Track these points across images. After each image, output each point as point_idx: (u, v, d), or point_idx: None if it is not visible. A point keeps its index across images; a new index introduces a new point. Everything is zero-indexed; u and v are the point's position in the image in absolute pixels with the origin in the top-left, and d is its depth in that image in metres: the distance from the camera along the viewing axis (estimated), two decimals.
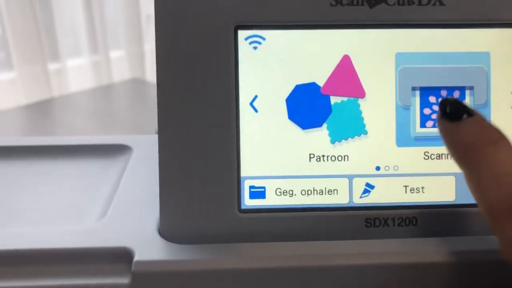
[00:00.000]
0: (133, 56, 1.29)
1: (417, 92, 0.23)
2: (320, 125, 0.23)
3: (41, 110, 1.03)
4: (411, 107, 0.23)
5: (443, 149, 0.23)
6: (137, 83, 1.12)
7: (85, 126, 0.90)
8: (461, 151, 0.19)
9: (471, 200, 0.23)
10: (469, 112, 0.19)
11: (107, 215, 0.24)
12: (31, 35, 1.10)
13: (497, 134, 0.19)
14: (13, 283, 0.21)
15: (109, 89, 1.10)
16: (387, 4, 0.23)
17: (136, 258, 0.21)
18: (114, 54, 1.26)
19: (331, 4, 0.23)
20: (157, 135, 0.23)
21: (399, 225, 0.23)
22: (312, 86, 0.23)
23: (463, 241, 0.23)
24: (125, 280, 0.21)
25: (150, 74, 1.34)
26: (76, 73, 1.21)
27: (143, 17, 1.30)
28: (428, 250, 0.22)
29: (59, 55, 1.17)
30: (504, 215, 0.18)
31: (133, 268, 0.21)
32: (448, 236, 0.23)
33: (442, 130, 0.20)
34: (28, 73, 1.12)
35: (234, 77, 0.23)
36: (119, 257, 0.21)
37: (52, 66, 1.16)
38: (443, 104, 0.20)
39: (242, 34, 0.23)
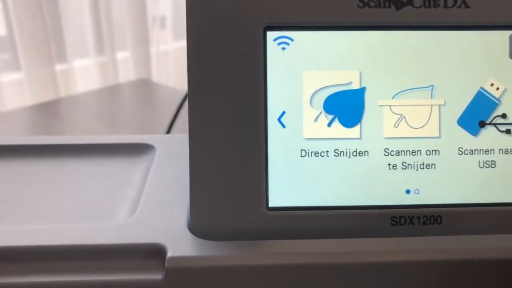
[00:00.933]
0: (139, 58, 1.30)
1: None
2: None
3: (48, 111, 1.03)
4: None
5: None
6: (144, 83, 1.12)
7: (92, 126, 0.90)
8: None
9: (494, 199, 0.24)
10: None
11: (137, 212, 0.24)
12: (38, 36, 1.10)
13: None
14: (49, 278, 0.21)
15: (116, 90, 1.11)
16: (413, 6, 0.23)
17: (170, 254, 0.21)
18: (121, 55, 1.27)
19: (358, 6, 0.23)
20: (178, 134, 0.23)
21: (424, 223, 0.24)
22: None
23: (486, 239, 0.23)
24: (158, 276, 0.21)
25: (156, 75, 1.35)
26: (83, 74, 1.21)
27: (149, 19, 1.30)
28: (453, 248, 0.23)
29: (66, 56, 1.18)
30: None
31: (167, 264, 0.21)
32: (472, 235, 0.24)
33: None
34: (35, 74, 1.12)
35: (263, 77, 0.23)
36: (152, 253, 0.22)
37: (59, 67, 1.16)
38: None
39: (270, 35, 0.23)
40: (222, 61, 0.23)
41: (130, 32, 1.27)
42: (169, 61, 1.39)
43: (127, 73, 1.27)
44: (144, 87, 1.12)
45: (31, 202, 0.26)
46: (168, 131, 0.65)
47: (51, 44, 1.13)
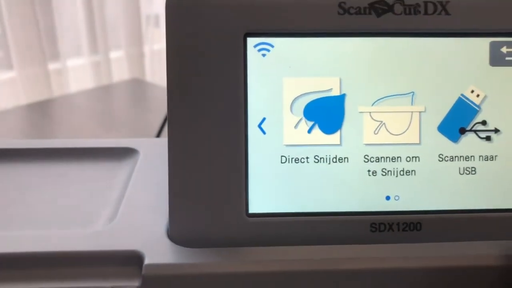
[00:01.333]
0: (132, 57, 1.29)
1: None
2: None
3: (41, 110, 1.03)
4: None
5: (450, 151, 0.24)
6: (137, 83, 1.12)
7: (85, 126, 0.90)
8: None
9: (474, 206, 0.24)
10: None
11: (116, 218, 0.24)
12: (31, 35, 1.10)
13: None
14: (22, 286, 0.21)
15: (109, 89, 1.10)
16: (394, 13, 0.23)
17: (147, 261, 0.21)
18: (114, 54, 1.26)
19: (338, 13, 0.23)
20: (162, 139, 0.23)
21: (403, 230, 0.24)
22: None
23: (466, 246, 0.23)
24: (135, 283, 0.21)
25: (150, 74, 1.35)
26: (76, 73, 1.21)
27: (143, 18, 1.30)
28: (432, 255, 0.23)
29: (59, 55, 1.17)
30: None
31: (143, 271, 0.21)
32: (452, 242, 0.24)
33: None
34: (28, 73, 1.12)
35: (243, 83, 0.23)
36: (129, 260, 0.22)
37: (52, 66, 1.16)
38: None
39: (251, 41, 0.23)
40: (202, 67, 0.23)
41: (123, 31, 1.27)
42: (163, 60, 1.38)
43: (120, 72, 1.27)
44: (138, 87, 1.12)
45: (9, 208, 0.26)
46: (160, 131, 0.65)
47: (44, 43, 1.13)
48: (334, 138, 0.24)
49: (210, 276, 0.22)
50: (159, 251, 0.22)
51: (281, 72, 0.23)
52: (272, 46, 0.23)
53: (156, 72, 1.37)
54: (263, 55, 0.23)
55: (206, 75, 0.23)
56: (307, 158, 0.24)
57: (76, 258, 0.22)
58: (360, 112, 0.24)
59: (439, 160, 0.24)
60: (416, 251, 0.23)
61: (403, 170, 0.24)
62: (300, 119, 0.24)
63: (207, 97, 0.23)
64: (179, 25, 0.23)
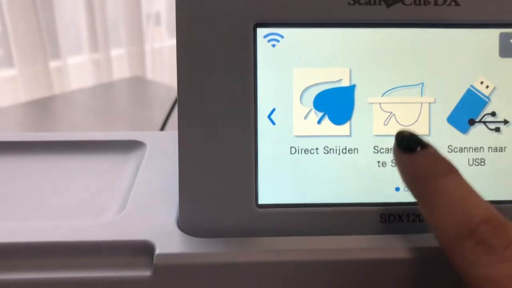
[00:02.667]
0: (133, 55, 1.29)
1: None
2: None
3: (41, 107, 1.03)
4: None
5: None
6: (138, 81, 1.12)
7: (86, 123, 0.90)
8: (415, 182, 0.20)
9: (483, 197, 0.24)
10: (423, 144, 0.20)
11: (126, 209, 0.24)
12: (32, 32, 1.10)
13: (449, 166, 0.20)
14: (36, 275, 0.21)
15: (110, 87, 1.10)
16: (404, 4, 0.23)
17: (158, 251, 0.21)
18: (115, 52, 1.26)
19: (349, 3, 0.23)
20: (169, 132, 0.23)
21: (413, 221, 0.24)
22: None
23: None
24: (146, 273, 0.21)
25: (151, 73, 1.35)
26: (77, 71, 1.21)
27: (144, 16, 1.30)
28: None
29: (60, 53, 1.17)
30: (456, 239, 0.19)
31: (155, 261, 0.21)
32: None
33: (397, 161, 0.21)
34: (29, 70, 1.12)
35: (253, 74, 0.23)
36: (140, 250, 0.22)
37: (52, 64, 1.16)
38: (398, 136, 0.21)
39: (261, 32, 0.23)
40: (212, 58, 0.23)
41: (124, 29, 1.27)
42: (163, 58, 1.38)
43: (121, 70, 1.27)
44: (138, 85, 1.11)
45: (21, 199, 0.26)
46: (162, 129, 0.65)
47: (45, 41, 1.13)
48: (343, 129, 0.24)
49: (220, 265, 0.22)
50: (169, 241, 0.22)
51: (291, 63, 0.23)
52: (282, 37, 0.23)
53: (157, 70, 1.37)
54: (273, 45, 0.23)
55: (216, 65, 0.23)
56: (316, 149, 0.24)
57: (87, 248, 0.22)
58: (370, 103, 0.24)
59: (449, 152, 0.24)
60: (425, 242, 0.23)
61: None
62: (310, 110, 0.24)
63: (216, 87, 0.23)
64: (189, 16, 0.23)
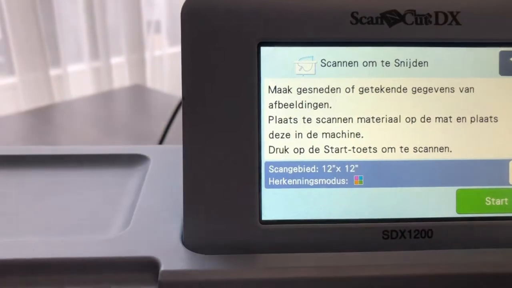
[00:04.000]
0: (134, 63, 1.30)
1: None
2: None
3: (41, 116, 1.03)
4: None
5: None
6: (138, 89, 1.12)
7: (86, 132, 0.90)
8: None
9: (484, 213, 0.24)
10: None
11: (130, 225, 0.25)
12: (33, 40, 1.10)
13: None
14: None
15: (110, 96, 1.11)
16: (406, 23, 0.24)
17: (163, 267, 0.22)
18: (115, 60, 1.27)
19: (351, 23, 0.23)
20: (173, 145, 0.23)
21: (415, 237, 0.24)
22: None
23: (477, 253, 0.24)
24: None
25: (151, 80, 1.35)
26: (77, 79, 1.21)
27: (144, 23, 1.31)
28: (443, 262, 0.23)
29: (60, 61, 1.18)
30: None
31: (160, 277, 0.21)
32: (463, 249, 0.24)
33: None
34: (29, 78, 1.12)
35: (257, 92, 0.23)
36: (145, 267, 0.22)
37: (53, 72, 1.16)
38: None
39: (265, 50, 0.24)
40: (217, 76, 0.23)
41: (124, 37, 1.28)
42: (164, 66, 1.39)
43: (121, 78, 1.27)
44: (139, 93, 1.12)
45: (24, 214, 0.27)
46: (163, 138, 0.65)
47: (46, 49, 1.13)
48: None
49: (224, 282, 0.22)
50: (174, 257, 0.22)
51: None
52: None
53: (157, 78, 1.37)
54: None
55: (220, 83, 0.23)
56: (321, 165, 0.24)
57: (92, 264, 0.22)
58: (373, 120, 0.24)
59: None
60: (428, 259, 0.23)
61: None
62: None
63: (221, 105, 0.23)
64: (194, 33, 0.23)
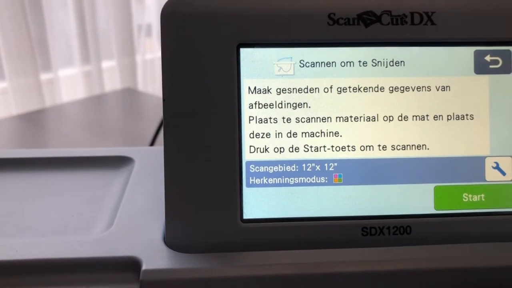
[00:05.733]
0: (125, 67, 1.30)
1: None
2: None
3: (33, 120, 1.03)
4: None
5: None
6: (129, 92, 1.12)
7: (78, 136, 0.90)
8: None
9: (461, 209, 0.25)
10: None
11: (113, 225, 0.25)
12: (23, 45, 1.10)
13: None
14: None
15: (101, 99, 1.11)
16: (382, 24, 0.24)
17: (144, 267, 0.22)
18: (106, 64, 1.27)
19: (328, 24, 0.24)
20: (157, 147, 0.24)
21: (394, 233, 0.24)
22: None
23: (455, 248, 0.24)
24: None
25: (142, 84, 1.35)
26: (68, 83, 1.21)
27: (135, 27, 1.31)
28: (422, 257, 0.23)
29: (51, 66, 1.18)
30: None
31: (141, 277, 0.22)
32: (441, 244, 0.24)
33: None
34: (20, 83, 1.12)
35: (237, 92, 0.24)
36: (127, 266, 0.22)
37: (44, 76, 1.16)
38: None
39: (244, 52, 0.24)
40: (197, 77, 0.23)
41: (115, 41, 1.28)
42: (155, 70, 1.39)
43: (112, 82, 1.27)
44: (130, 96, 1.12)
45: (7, 217, 0.27)
46: (154, 140, 0.65)
47: (36, 54, 1.13)
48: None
49: (206, 280, 0.22)
50: (156, 257, 0.23)
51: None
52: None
53: (148, 82, 1.37)
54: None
55: (200, 84, 0.24)
56: (301, 164, 0.24)
57: (74, 264, 0.22)
58: (354, 117, 0.24)
59: None
60: (406, 254, 0.24)
61: None
62: None
63: (201, 106, 0.24)
64: (173, 35, 0.23)
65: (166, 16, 0.23)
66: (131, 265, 0.22)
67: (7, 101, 1.12)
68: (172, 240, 0.24)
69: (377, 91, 0.25)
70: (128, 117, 1.01)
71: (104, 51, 1.26)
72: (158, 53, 1.40)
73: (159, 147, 0.33)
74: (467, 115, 0.25)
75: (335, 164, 0.25)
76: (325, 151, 0.25)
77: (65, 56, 1.23)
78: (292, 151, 0.24)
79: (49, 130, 0.99)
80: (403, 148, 0.25)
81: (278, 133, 0.24)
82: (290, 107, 0.24)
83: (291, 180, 0.25)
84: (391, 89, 0.25)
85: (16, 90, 1.12)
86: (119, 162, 0.32)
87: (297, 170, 0.25)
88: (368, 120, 0.25)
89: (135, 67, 1.32)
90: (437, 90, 0.25)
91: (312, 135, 0.24)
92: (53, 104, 1.15)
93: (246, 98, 0.24)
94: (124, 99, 1.11)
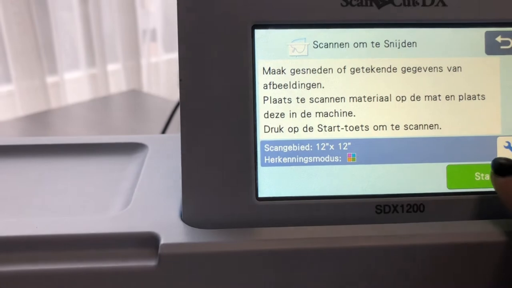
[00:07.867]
0: (130, 70, 1.31)
1: None
2: None
3: (38, 122, 1.03)
4: None
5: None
6: (135, 94, 1.13)
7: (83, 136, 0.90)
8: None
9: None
10: None
11: (130, 204, 0.25)
12: (30, 48, 1.11)
13: None
14: (47, 266, 0.22)
15: (107, 100, 1.11)
16: (394, 5, 0.24)
17: (162, 241, 0.22)
18: (111, 67, 1.27)
19: (341, 5, 0.24)
20: (170, 134, 0.24)
21: (407, 211, 0.25)
22: None
23: (468, 224, 0.24)
24: (152, 263, 0.22)
25: (147, 87, 1.36)
26: (74, 86, 1.22)
27: (140, 31, 1.32)
28: (436, 232, 0.24)
29: (57, 69, 1.18)
30: None
31: (160, 250, 0.22)
32: (453, 221, 0.25)
33: (496, 185, 0.23)
34: (26, 85, 1.12)
35: (252, 73, 0.24)
36: (146, 242, 0.23)
37: (50, 79, 1.17)
38: (495, 163, 0.23)
39: (259, 33, 0.24)
40: (212, 58, 0.24)
41: (121, 45, 1.29)
42: (159, 73, 1.40)
43: (117, 86, 1.28)
44: (135, 98, 1.12)
45: (31, 197, 0.27)
46: (164, 131, 0.66)
47: (42, 57, 1.14)
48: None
49: (223, 254, 0.22)
50: (173, 232, 0.23)
51: None
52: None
53: (153, 85, 1.38)
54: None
55: (215, 65, 0.24)
56: (315, 143, 0.25)
57: (94, 240, 0.23)
58: (368, 97, 0.25)
59: None
60: (421, 229, 0.24)
61: None
62: None
63: (217, 86, 0.24)
64: (189, 16, 0.24)
65: None
66: (149, 240, 0.23)
67: (13, 103, 1.13)
68: (189, 217, 0.24)
69: (390, 71, 0.25)
70: (133, 118, 1.01)
71: (110, 54, 1.27)
72: (163, 57, 1.41)
73: (172, 134, 0.33)
74: (478, 95, 0.25)
75: (349, 143, 0.25)
76: (338, 130, 0.25)
77: (71, 59, 1.24)
78: (306, 131, 0.25)
79: (55, 131, 0.99)
80: (416, 128, 0.25)
81: (292, 113, 0.25)
82: (304, 88, 0.25)
83: (305, 159, 0.25)
84: (403, 69, 0.25)
85: (23, 93, 1.13)
86: (133, 148, 0.32)
87: (311, 149, 0.25)
88: (381, 100, 0.25)
89: (140, 71, 1.33)
90: (449, 71, 0.25)
91: (326, 115, 0.25)
92: (59, 106, 1.16)
93: (261, 79, 0.25)
94: (129, 101, 1.12)
